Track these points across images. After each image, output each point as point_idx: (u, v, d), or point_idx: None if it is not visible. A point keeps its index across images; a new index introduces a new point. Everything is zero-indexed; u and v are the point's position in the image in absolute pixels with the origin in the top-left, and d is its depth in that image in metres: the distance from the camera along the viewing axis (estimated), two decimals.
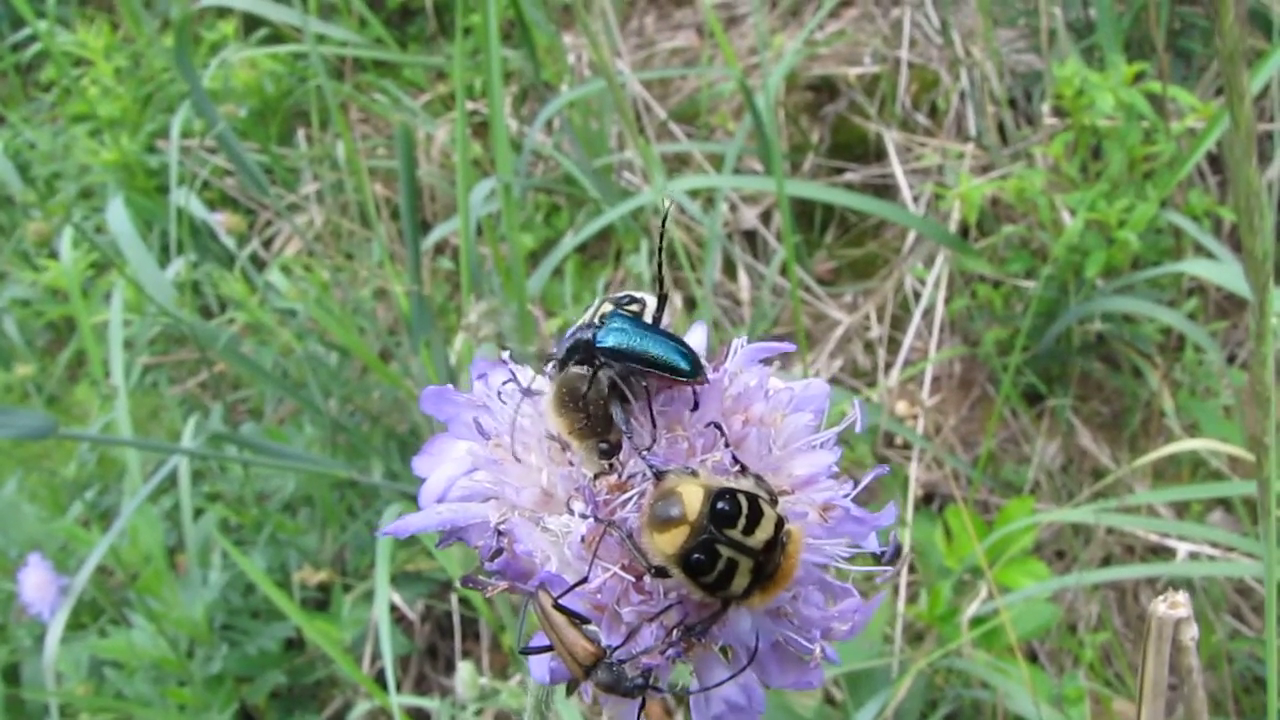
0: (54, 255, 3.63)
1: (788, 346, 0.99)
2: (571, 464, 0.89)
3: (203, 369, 3.94)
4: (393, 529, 0.92)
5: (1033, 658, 2.96)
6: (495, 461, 0.92)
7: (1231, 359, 3.07)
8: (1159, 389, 2.88)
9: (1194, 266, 2.60)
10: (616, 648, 0.84)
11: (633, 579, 0.85)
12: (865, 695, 2.59)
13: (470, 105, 4.06)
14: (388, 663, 1.95)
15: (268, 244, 4.14)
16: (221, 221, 2.73)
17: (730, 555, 0.83)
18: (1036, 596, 2.55)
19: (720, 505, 0.84)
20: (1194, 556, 2.71)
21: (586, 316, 0.98)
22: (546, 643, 0.86)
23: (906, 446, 3.28)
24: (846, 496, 0.92)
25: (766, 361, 0.98)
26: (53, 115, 4.54)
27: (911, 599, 2.99)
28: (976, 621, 2.53)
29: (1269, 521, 1.04)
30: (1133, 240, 2.65)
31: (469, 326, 1.94)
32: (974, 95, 3.45)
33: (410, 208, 2.29)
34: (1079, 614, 2.96)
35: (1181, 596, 0.83)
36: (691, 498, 0.84)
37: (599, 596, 0.85)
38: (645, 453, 0.88)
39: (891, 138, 3.58)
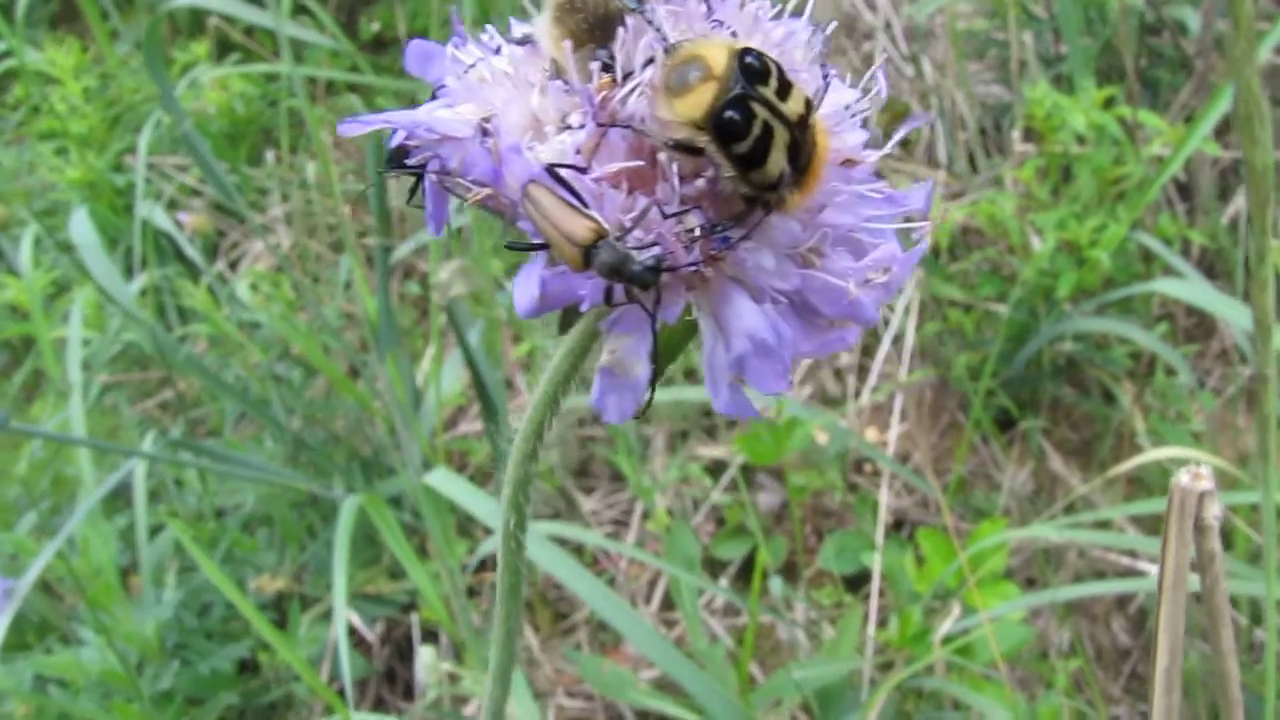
0: (13, 272, 3.55)
1: None
2: (565, 84, 0.77)
3: (162, 390, 3.86)
4: (356, 121, 0.79)
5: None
6: (475, 87, 0.79)
7: (1201, 384, 3.08)
8: (1130, 410, 2.88)
9: (1165, 285, 2.61)
10: (624, 235, 0.70)
11: (640, 186, 0.72)
12: (834, 718, 2.55)
13: None
14: (347, 680, 1.88)
15: (233, 265, 4.09)
16: (186, 222, 2.67)
17: (765, 118, 0.70)
18: (1009, 617, 2.52)
19: (749, 59, 0.71)
20: None
21: None
22: (537, 243, 0.72)
23: (876, 473, 3.25)
24: (873, 156, 0.81)
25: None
26: (19, 134, 4.48)
27: (881, 624, 2.95)
28: (947, 641, 2.49)
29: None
30: (1104, 260, 2.67)
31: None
32: (945, 124, 3.49)
33: (380, 199, 2.25)
34: (1050, 640, 2.93)
35: (1204, 469, 0.76)
36: (715, 55, 0.71)
37: (601, 209, 0.71)
38: (654, 29, 0.75)
39: None
